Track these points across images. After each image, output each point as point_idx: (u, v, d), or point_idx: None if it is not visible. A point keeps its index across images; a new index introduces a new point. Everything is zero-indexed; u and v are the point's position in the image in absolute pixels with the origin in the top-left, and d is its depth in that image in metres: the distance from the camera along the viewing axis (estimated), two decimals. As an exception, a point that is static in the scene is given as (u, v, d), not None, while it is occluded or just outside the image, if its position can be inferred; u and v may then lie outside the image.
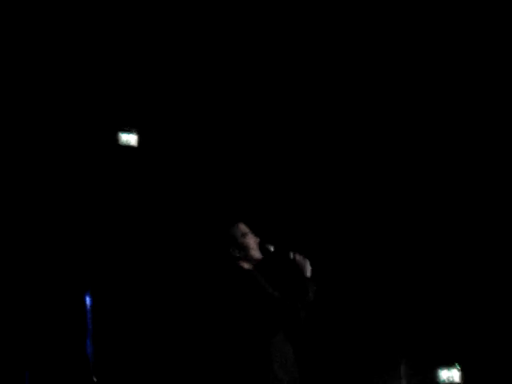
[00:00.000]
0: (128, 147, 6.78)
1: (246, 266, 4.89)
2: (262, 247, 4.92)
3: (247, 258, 4.94)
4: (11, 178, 6.51)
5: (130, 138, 6.77)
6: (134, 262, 6.78)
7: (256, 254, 4.92)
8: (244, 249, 4.89)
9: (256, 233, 4.89)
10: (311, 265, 4.77)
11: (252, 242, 4.94)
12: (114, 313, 6.60)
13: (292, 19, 6.92)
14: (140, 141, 6.82)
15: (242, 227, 4.93)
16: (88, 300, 6.33)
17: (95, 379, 6.16)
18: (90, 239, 6.66)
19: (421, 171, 7.07)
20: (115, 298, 6.65)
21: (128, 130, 6.79)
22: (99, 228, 6.74)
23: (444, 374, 6.91)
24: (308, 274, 4.79)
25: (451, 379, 6.84)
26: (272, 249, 4.89)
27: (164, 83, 6.94)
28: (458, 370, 6.83)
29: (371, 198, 7.06)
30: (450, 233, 7.00)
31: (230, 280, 4.94)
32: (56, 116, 6.62)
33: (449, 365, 6.88)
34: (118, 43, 6.72)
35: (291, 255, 4.81)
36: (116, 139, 6.75)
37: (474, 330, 6.90)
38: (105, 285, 6.61)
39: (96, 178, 6.73)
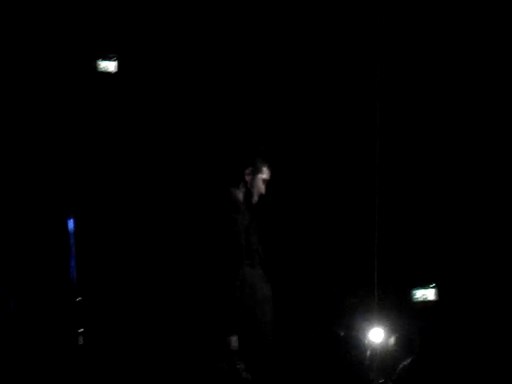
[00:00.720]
0: (106, 74, 6.84)
1: (240, 196, 5.09)
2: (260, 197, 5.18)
3: (249, 190, 5.18)
4: None
5: (108, 65, 6.83)
6: (118, 186, 6.92)
7: (255, 197, 5.16)
8: (253, 184, 5.13)
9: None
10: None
11: (262, 187, 5.16)
12: (96, 236, 6.76)
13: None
14: (119, 67, 6.88)
15: (268, 170, 5.21)
16: (71, 222, 6.49)
17: (78, 298, 6.35)
18: (73, 164, 6.79)
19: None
20: (99, 221, 6.80)
21: (107, 57, 6.84)
22: (81, 153, 6.86)
23: (419, 292, 7.02)
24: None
25: (425, 297, 6.96)
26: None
27: (143, 7, 6.96)
28: (433, 288, 6.95)
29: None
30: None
31: (216, 204, 5.16)
32: (35, 43, 6.66)
33: (424, 284, 7.00)
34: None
35: None
36: (95, 66, 6.81)
37: (450, 249, 7.04)
38: (88, 209, 6.76)
39: (76, 105, 6.81)
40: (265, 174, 5.25)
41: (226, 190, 5.32)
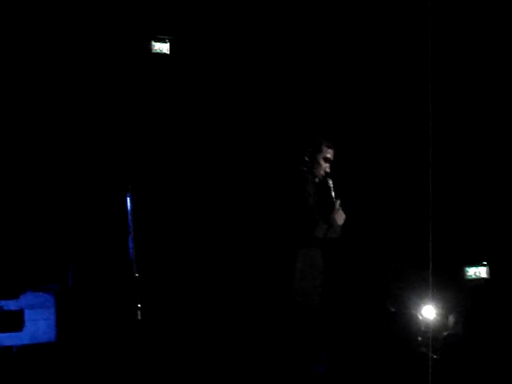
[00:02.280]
0: (161, 55, 6.94)
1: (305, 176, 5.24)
2: (325, 177, 5.34)
3: (312, 167, 5.34)
4: (53, 85, 6.74)
5: (162, 47, 6.93)
6: (175, 165, 7.03)
7: (319, 175, 5.32)
8: (315, 161, 5.39)
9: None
10: (346, 221, 5.30)
11: (324, 165, 5.37)
12: (154, 214, 6.88)
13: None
14: (172, 49, 6.98)
15: (330, 151, 5.43)
16: (129, 201, 6.61)
17: (137, 274, 6.48)
18: (130, 145, 6.91)
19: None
20: (156, 199, 6.93)
21: (161, 39, 6.94)
22: (138, 134, 6.98)
23: (471, 270, 7.05)
24: (338, 220, 5.22)
25: (478, 274, 6.99)
26: (331, 184, 5.34)
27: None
28: (485, 266, 6.97)
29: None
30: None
31: (284, 174, 5.37)
32: (88, 28, 6.79)
33: (476, 262, 7.02)
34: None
35: (336, 200, 5.17)
36: (149, 47, 6.91)
37: (502, 228, 7.04)
38: (145, 186, 6.88)
39: (131, 86, 6.93)
40: (327, 153, 5.43)
41: (291, 166, 5.51)
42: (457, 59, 6.97)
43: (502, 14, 6.88)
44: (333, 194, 5.39)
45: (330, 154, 5.48)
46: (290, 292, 5.22)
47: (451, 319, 6.40)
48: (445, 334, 6.40)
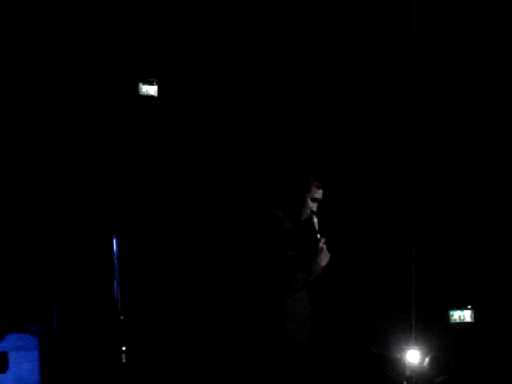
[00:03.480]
0: (148, 97, 6.99)
1: (280, 213, 5.16)
2: (311, 216, 5.24)
3: (296, 208, 5.25)
4: (37, 127, 6.77)
5: (150, 89, 6.99)
6: (160, 207, 7.04)
7: (304, 213, 5.23)
8: (301, 202, 5.20)
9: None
10: (330, 260, 5.12)
11: (312, 206, 5.24)
12: (140, 255, 6.88)
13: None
14: (160, 91, 7.03)
15: (319, 191, 5.29)
16: (115, 242, 6.61)
17: (122, 317, 6.46)
18: (115, 184, 6.93)
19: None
20: (142, 240, 6.93)
21: (148, 81, 7.00)
22: (124, 174, 7.00)
23: (456, 314, 7.05)
24: (321, 262, 5.10)
25: (463, 318, 6.99)
26: (315, 222, 5.17)
27: (183, 33, 7.11)
28: (470, 310, 6.98)
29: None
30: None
31: (260, 224, 5.26)
32: (77, 67, 6.83)
33: (461, 306, 7.02)
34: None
35: (320, 239, 5.14)
36: (137, 90, 6.97)
37: (486, 272, 7.06)
38: (131, 228, 6.89)
39: (118, 128, 6.97)
40: (315, 194, 5.31)
41: (270, 211, 5.40)
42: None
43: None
44: (318, 233, 5.29)
45: (318, 195, 5.33)
46: (285, 342, 5.13)
47: (428, 362, 6.39)
48: (440, 379, 6.39)
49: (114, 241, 6.60)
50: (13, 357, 6.31)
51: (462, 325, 6.96)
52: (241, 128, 7.12)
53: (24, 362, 6.33)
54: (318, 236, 5.27)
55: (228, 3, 7.02)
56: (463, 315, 7.02)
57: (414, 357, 6.34)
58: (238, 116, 7.13)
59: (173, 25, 7.03)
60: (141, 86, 7.01)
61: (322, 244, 5.24)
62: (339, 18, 7.05)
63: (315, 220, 5.29)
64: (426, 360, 6.46)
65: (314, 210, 5.29)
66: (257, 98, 7.11)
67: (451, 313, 7.02)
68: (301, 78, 7.10)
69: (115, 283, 6.51)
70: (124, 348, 6.25)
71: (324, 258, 5.27)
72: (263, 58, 7.11)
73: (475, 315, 7.00)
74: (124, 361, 6.27)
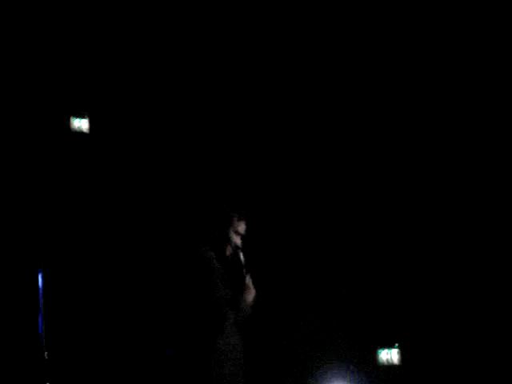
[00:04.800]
0: (80, 133, 6.96)
1: (212, 254, 5.09)
2: (236, 251, 5.16)
3: (220, 246, 5.16)
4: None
5: (82, 124, 6.95)
6: (88, 243, 6.97)
7: (228, 250, 5.14)
8: (225, 240, 5.13)
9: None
10: (255, 298, 5.08)
11: (236, 241, 5.16)
12: (65, 291, 6.79)
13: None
14: (92, 127, 7.01)
15: (241, 224, 5.15)
16: (40, 278, 6.52)
17: (46, 356, 6.34)
18: (43, 220, 6.85)
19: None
20: (67, 276, 6.84)
21: (80, 116, 6.97)
22: (52, 211, 6.93)
23: (383, 355, 7.07)
24: (247, 299, 5.08)
25: (390, 361, 7.01)
26: (242, 258, 5.13)
27: (115, 67, 7.12)
28: (397, 352, 7.01)
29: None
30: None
31: (189, 264, 5.17)
32: (6, 103, 6.78)
33: (388, 346, 7.06)
34: (69, 29, 6.91)
35: (246, 276, 5.08)
36: (68, 125, 6.93)
37: (413, 311, 7.12)
38: (57, 263, 6.80)
39: (49, 164, 6.91)
40: (237, 227, 5.23)
41: (197, 251, 5.32)
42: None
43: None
44: (244, 269, 5.21)
45: (241, 227, 5.28)
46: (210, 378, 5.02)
47: None
48: None
49: (40, 276, 6.52)
50: None
51: (390, 367, 6.98)
52: (171, 160, 7.13)
53: None
54: (244, 273, 5.18)
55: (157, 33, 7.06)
56: (390, 356, 7.03)
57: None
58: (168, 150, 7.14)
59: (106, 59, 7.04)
60: (72, 120, 6.95)
61: (247, 280, 5.15)
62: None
63: (242, 257, 5.20)
64: None
65: (239, 245, 5.19)
66: (185, 130, 7.13)
67: (379, 352, 7.03)
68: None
69: (39, 319, 6.41)
70: (47, 384, 6.14)
71: (249, 296, 5.18)
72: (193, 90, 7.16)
73: (402, 356, 7.02)
74: (47, 398, 6.15)
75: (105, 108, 7.10)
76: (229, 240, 5.11)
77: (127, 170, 7.11)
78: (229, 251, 5.13)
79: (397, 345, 7.02)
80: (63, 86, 6.92)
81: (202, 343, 5.00)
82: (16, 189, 6.81)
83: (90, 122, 6.99)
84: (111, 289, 6.92)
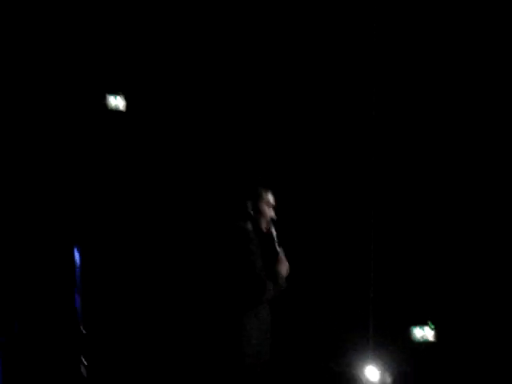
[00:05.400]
0: (117, 111, 7.02)
1: (249, 227, 5.10)
2: (270, 223, 5.15)
3: (257, 219, 5.16)
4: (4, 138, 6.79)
5: (118, 103, 7.01)
6: (125, 219, 7.05)
7: (264, 224, 5.13)
8: (258, 212, 5.15)
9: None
10: (289, 269, 5.07)
11: (268, 213, 5.17)
12: (103, 267, 6.89)
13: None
14: (128, 105, 7.06)
15: (270, 195, 5.14)
16: (77, 254, 6.63)
17: (84, 331, 6.46)
18: (81, 196, 6.95)
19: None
20: (105, 252, 6.94)
21: (116, 94, 7.02)
22: (89, 187, 7.02)
23: (418, 332, 7.07)
24: (281, 272, 5.08)
25: (425, 337, 7.02)
26: (274, 232, 5.13)
27: (153, 47, 7.15)
28: (432, 329, 7.00)
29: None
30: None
31: (227, 237, 5.18)
32: (45, 81, 6.85)
33: (422, 323, 7.05)
34: (105, 9, 6.95)
35: (279, 249, 5.08)
36: (105, 104, 6.99)
37: (447, 288, 7.10)
38: (94, 240, 6.90)
39: (86, 142, 6.99)
40: (268, 199, 5.20)
41: (234, 225, 5.32)
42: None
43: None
44: (276, 242, 5.20)
45: (270, 198, 5.17)
46: (241, 356, 5.06)
47: (387, 379, 6.41)
48: None
49: (76, 252, 6.62)
50: (-27, 368, 6.29)
51: (424, 343, 6.97)
52: (202, 142, 7.16)
53: (-16, 374, 6.30)
54: (277, 246, 5.17)
55: (195, 17, 7.07)
56: (424, 333, 7.03)
57: (372, 374, 6.36)
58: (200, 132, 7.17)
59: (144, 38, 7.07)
60: (109, 98, 7.01)
61: (281, 255, 5.15)
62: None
63: (273, 230, 5.19)
64: (387, 378, 6.48)
65: (273, 216, 5.17)
66: (222, 113, 7.16)
67: (412, 330, 7.03)
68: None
69: (76, 295, 6.53)
70: (84, 360, 6.26)
71: (283, 268, 5.17)
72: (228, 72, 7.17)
73: (437, 333, 7.01)
74: (85, 375, 6.28)
75: (140, 86, 7.15)
76: (263, 212, 5.10)
77: (160, 149, 7.16)
78: (264, 224, 5.11)
79: (430, 323, 7.00)
80: (99, 64, 6.97)
81: (228, 321, 5.01)
82: (53, 167, 6.90)
83: (126, 100, 7.04)
84: (147, 264, 7.01)
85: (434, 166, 7.10)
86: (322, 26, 7.06)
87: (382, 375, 6.41)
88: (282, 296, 5.23)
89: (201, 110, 7.17)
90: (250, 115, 7.14)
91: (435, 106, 7.07)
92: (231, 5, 7.04)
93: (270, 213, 5.13)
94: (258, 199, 5.15)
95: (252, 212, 5.11)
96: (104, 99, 7.02)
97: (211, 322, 5.18)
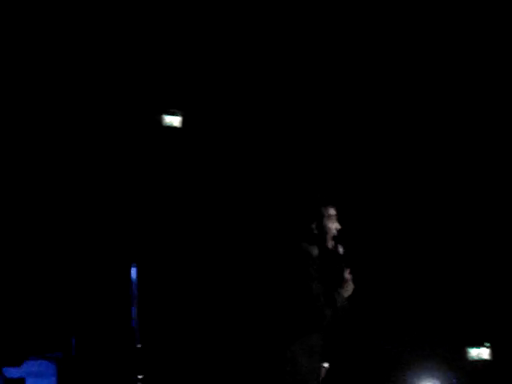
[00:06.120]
0: (171, 128, 7.07)
1: (314, 248, 5.00)
2: (336, 241, 5.04)
3: (321, 241, 5.03)
4: (64, 156, 6.88)
5: (173, 120, 7.07)
6: (180, 235, 7.08)
7: (330, 243, 5.00)
8: (323, 231, 4.99)
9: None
10: (353, 292, 4.97)
11: (333, 228, 4.94)
12: (158, 283, 6.92)
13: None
14: (183, 122, 7.11)
15: (331, 209, 4.89)
16: (133, 270, 6.67)
17: (139, 345, 6.50)
18: (136, 214, 7.00)
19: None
20: (160, 269, 6.97)
21: (172, 112, 7.08)
22: (146, 204, 7.07)
23: (473, 351, 7.00)
24: (345, 293, 4.86)
25: (480, 356, 6.95)
26: (341, 251, 4.90)
27: (208, 66, 7.20)
28: (487, 348, 6.93)
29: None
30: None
31: (288, 259, 5.09)
32: (101, 98, 6.94)
33: (478, 343, 6.99)
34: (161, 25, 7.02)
35: (345, 271, 4.98)
36: (160, 121, 7.05)
37: (503, 309, 7.03)
38: (150, 257, 6.94)
39: (141, 158, 7.05)
40: (330, 213, 5.05)
41: (297, 247, 5.20)
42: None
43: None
44: (343, 262, 5.03)
45: (332, 211, 4.90)
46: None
47: None
48: None
49: (133, 269, 6.66)
50: (30, 383, 6.35)
51: (480, 362, 6.91)
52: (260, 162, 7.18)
53: (41, 388, 6.36)
54: (343, 265, 5.02)
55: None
56: (481, 352, 6.97)
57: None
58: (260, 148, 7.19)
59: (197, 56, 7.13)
60: (164, 117, 7.07)
61: (347, 276, 4.99)
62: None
63: (341, 249, 5.05)
64: None
65: (339, 227, 5.02)
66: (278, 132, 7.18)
67: (468, 350, 6.97)
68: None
69: (133, 312, 6.57)
70: (140, 377, 6.29)
71: (348, 290, 5.01)
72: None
73: (493, 352, 6.95)
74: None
75: (196, 105, 7.20)
76: (327, 230, 4.96)
77: (216, 166, 7.19)
78: (330, 242, 4.97)
79: (487, 343, 6.94)
80: (156, 82, 7.04)
81: (286, 343, 4.92)
82: (111, 184, 6.97)
83: (183, 118, 7.09)
84: (203, 283, 7.03)
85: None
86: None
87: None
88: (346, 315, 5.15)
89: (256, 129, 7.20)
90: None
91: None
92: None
93: (335, 226, 5.00)
94: (320, 218, 5.06)
95: (317, 231, 4.99)
96: (159, 115, 7.08)
97: (260, 347, 5.10)
